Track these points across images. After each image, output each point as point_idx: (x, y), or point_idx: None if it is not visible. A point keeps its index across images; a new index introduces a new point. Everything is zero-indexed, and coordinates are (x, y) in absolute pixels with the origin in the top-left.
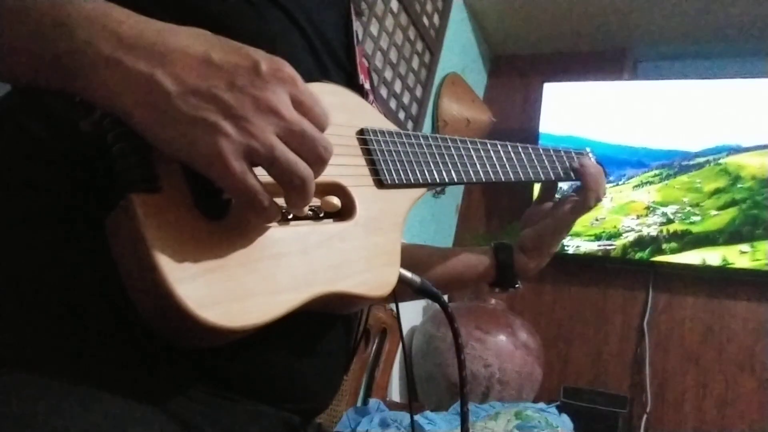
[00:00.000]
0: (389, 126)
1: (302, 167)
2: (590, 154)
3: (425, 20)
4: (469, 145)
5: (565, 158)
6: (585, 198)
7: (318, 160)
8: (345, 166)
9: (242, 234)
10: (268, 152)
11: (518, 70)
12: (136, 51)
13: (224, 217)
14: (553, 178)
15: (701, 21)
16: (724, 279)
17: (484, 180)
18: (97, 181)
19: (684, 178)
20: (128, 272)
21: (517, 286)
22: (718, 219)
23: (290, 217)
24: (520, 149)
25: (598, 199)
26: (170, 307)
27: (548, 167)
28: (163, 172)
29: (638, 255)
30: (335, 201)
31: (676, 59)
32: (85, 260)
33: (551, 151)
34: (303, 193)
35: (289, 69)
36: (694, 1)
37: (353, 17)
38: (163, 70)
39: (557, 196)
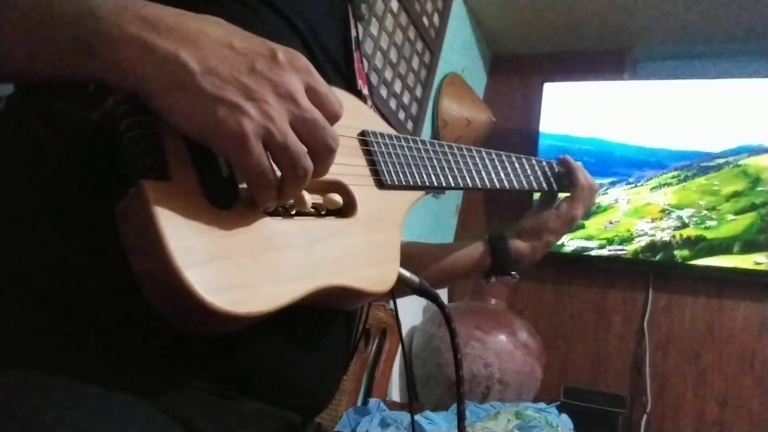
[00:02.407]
0: (388, 129)
1: (308, 160)
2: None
3: (425, 20)
4: (466, 153)
5: (557, 170)
6: (575, 194)
7: (325, 149)
8: (346, 166)
9: (248, 225)
10: (283, 138)
11: (518, 70)
12: (161, 31)
13: (231, 207)
14: (546, 188)
15: (701, 21)
16: (724, 279)
17: (480, 186)
18: (99, 180)
19: (702, 180)
20: (137, 259)
21: (513, 273)
22: (734, 224)
23: (293, 212)
24: (514, 159)
25: (590, 192)
26: (179, 292)
27: (541, 177)
28: (172, 161)
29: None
30: (337, 198)
31: (675, 59)
32: (86, 258)
33: (544, 163)
34: (301, 184)
35: (303, 59)
36: (694, 1)
37: (351, 22)
38: (187, 50)
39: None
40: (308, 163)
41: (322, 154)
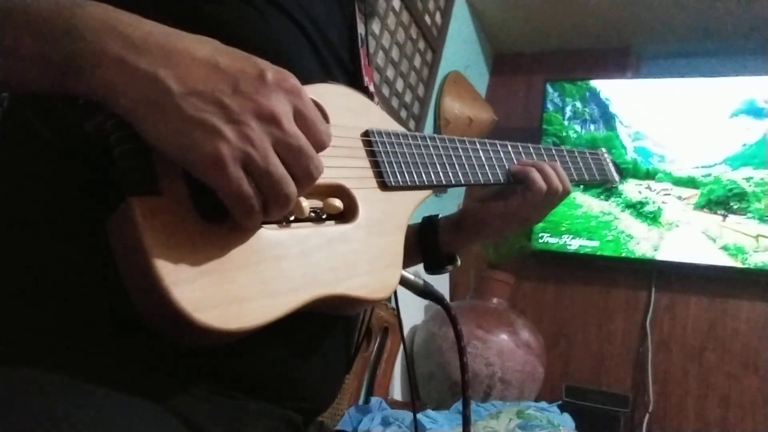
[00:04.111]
0: (395, 127)
1: (291, 186)
2: (605, 155)
3: (427, 18)
4: (478, 146)
5: (579, 158)
6: (524, 201)
7: (307, 177)
8: (348, 168)
9: (242, 237)
10: (263, 163)
11: (521, 69)
12: (142, 51)
13: (224, 220)
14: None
15: (705, 18)
16: (726, 278)
17: (492, 182)
18: (101, 182)
19: (711, 180)
20: (127, 274)
21: (448, 267)
22: (744, 226)
23: (291, 219)
24: (532, 149)
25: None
26: (167, 310)
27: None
28: (164, 174)
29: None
30: (337, 203)
31: (680, 57)
32: (88, 259)
33: (564, 151)
34: (284, 208)
35: (294, 81)
36: None
37: (358, 18)
38: (167, 69)
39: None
40: (291, 189)
41: (303, 181)
